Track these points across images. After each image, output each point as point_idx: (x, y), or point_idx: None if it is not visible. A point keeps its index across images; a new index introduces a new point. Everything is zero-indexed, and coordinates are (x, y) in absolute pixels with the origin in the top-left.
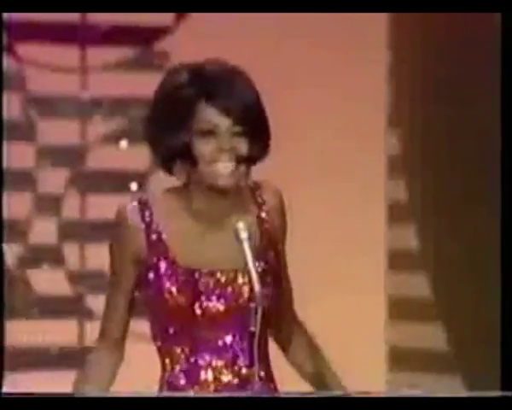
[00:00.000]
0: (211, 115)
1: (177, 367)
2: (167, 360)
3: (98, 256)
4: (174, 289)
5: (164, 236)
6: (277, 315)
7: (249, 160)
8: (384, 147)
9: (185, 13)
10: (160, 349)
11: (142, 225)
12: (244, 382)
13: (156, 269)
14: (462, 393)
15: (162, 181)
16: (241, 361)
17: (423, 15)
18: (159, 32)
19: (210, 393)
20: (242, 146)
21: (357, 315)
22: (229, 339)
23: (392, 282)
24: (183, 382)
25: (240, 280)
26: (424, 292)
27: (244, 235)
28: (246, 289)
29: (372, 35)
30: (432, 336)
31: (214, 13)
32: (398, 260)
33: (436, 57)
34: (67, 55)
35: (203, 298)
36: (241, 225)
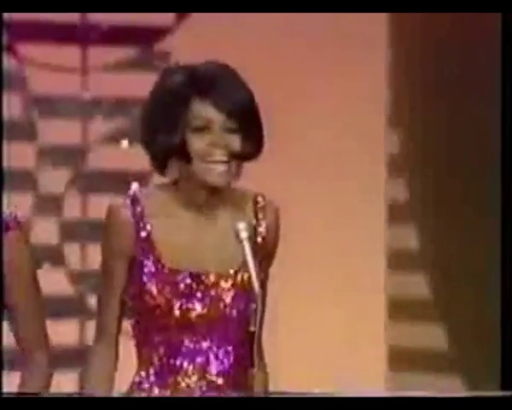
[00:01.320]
0: (204, 111)
1: (150, 368)
2: (142, 360)
3: (99, 256)
4: (154, 289)
5: (152, 234)
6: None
7: (242, 157)
8: (384, 147)
9: (185, 13)
10: (137, 348)
11: (132, 221)
12: (212, 391)
13: (140, 267)
14: (462, 393)
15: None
16: (213, 368)
17: (423, 15)
18: (159, 33)
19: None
20: (236, 142)
21: (357, 315)
22: (205, 345)
23: (392, 282)
24: (152, 383)
25: (223, 285)
26: (424, 292)
27: (244, 235)
28: (228, 295)
29: (372, 35)
30: (432, 336)
31: (214, 13)
32: (397, 260)
33: (436, 57)
34: (68, 54)
35: (183, 300)
36: (241, 225)
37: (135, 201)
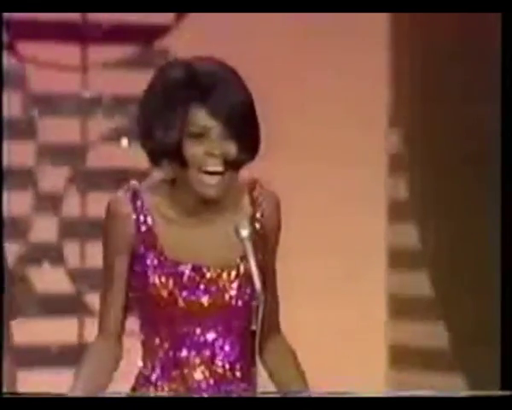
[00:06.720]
0: (202, 118)
1: (155, 361)
2: (147, 354)
3: (98, 254)
4: (158, 282)
5: (154, 227)
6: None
7: (238, 163)
8: (384, 146)
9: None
10: (143, 343)
11: (133, 215)
12: (218, 382)
13: (143, 260)
14: (462, 392)
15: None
16: (219, 360)
17: (423, 15)
18: (159, 31)
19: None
20: (232, 150)
21: (357, 314)
22: (210, 336)
23: (393, 281)
24: (157, 376)
25: (227, 278)
26: (424, 291)
27: (245, 233)
28: (233, 286)
29: (372, 35)
30: (432, 335)
31: (214, 12)
32: (398, 259)
33: (436, 57)
34: (68, 53)
35: (187, 292)
36: (241, 223)
37: (135, 195)
